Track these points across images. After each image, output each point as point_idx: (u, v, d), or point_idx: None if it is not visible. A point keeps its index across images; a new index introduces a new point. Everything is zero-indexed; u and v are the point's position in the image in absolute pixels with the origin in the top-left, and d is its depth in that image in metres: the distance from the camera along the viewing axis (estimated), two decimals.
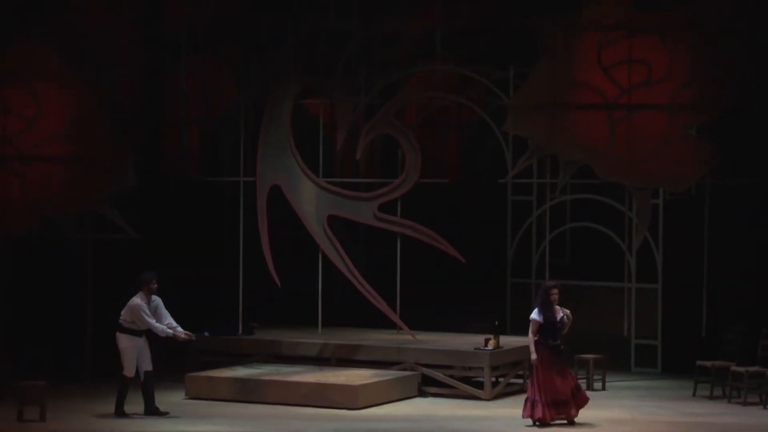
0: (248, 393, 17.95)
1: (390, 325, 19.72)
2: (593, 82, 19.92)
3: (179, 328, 16.98)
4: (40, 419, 16.56)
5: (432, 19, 21.62)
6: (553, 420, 16.49)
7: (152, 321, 16.83)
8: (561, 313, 16.64)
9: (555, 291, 16.67)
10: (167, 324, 16.94)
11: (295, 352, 19.22)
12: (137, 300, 16.84)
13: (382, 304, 19.52)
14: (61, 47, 18.59)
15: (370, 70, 21.80)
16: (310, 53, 21.89)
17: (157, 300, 16.95)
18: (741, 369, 18.02)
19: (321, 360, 19.03)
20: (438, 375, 18.58)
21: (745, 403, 17.91)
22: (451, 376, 18.52)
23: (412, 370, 18.66)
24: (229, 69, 21.53)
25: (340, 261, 19.59)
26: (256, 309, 20.20)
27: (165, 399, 17.49)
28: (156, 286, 16.91)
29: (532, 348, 16.49)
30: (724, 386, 18.36)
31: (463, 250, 19.45)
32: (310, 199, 19.56)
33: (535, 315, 16.59)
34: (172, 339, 17.07)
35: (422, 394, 18.52)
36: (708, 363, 18.58)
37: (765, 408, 17.69)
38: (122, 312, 16.86)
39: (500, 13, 22.36)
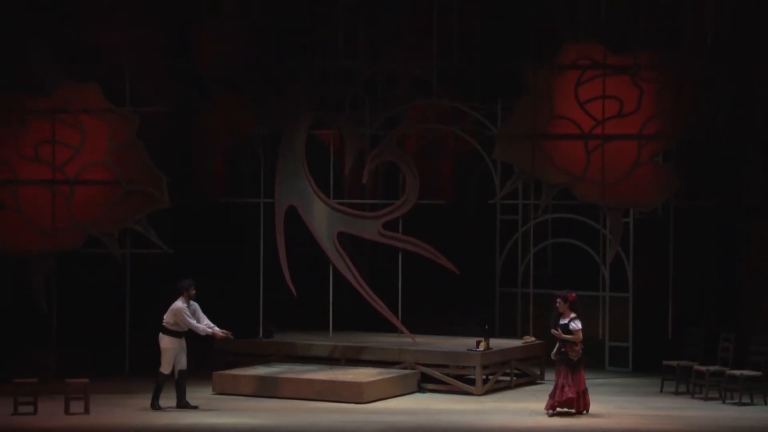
0: (267, 389, 17.97)
1: (392, 329, 19.72)
2: (571, 115, 20.02)
3: (216, 328, 17.01)
4: (84, 412, 16.57)
5: (428, 59, 21.63)
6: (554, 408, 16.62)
7: (193, 322, 16.85)
8: (565, 320, 16.61)
9: (557, 300, 16.69)
10: (206, 324, 17.00)
11: (308, 353, 19.22)
12: (179, 304, 16.85)
13: (385, 310, 19.53)
14: (103, 86, 18.62)
15: (374, 104, 21.87)
16: (321, 89, 21.96)
17: (194, 304, 16.97)
18: (702, 368, 18.01)
19: (331, 360, 19.02)
20: (435, 373, 18.57)
21: (706, 398, 17.90)
22: (447, 374, 18.52)
23: (412, 368, 18.65)
24: (250, 103, 21.54)
25: (349, 272, 19.61)
26: (274, 315, 20.21)
27: (195, 394, 17.48)
28: (194, 292, 16.93)
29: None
30: (688, 383, 18.33)
31: (457, 262, 19.49)
32: (322, 218, 19.57)
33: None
34: (211, 337, 17.10)
35: (421, 390, 18.51)
36: (673, 363, 18.54)
37: (723, 402, 17.66)
38: (165, 315, 16.85)
39: (489, 54, 22.40)
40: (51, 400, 17.07)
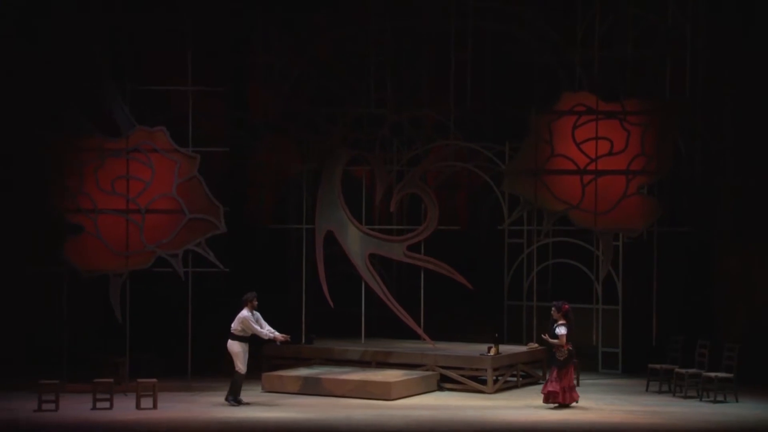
0: (309, 388, 17.92)
1: (415, 337, 19.66)
2: (569, 154, 19.95)
3: (277, 333, 17.04)
4: (153, 407, 16.57)
5: (446, 107, 21.61)
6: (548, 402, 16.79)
7: (257, 327, 16.89)
8: (554, 327, 16.79)
9: (552, 309, 16.90)
10: (267, 330, 16.99)
11: (343, 357, 19.14)
12: (245, 313, 16.87)
13: (409, 320, 19.46)
14: (169, 130, 18.66)
15: (400, 145, 21.85)
16: (355, 132, 21.97)
17: (257, 314, 17.02)
18: (683, 370, 17.93)
19: (363, 363, 18.95)
20: (452, 374, 18.49)
21: (685, 397, 17.79)
22: (462, 375, 18.43)
23: (433, 370, 18.58)
24: (295, 145, 21.57)
25: (378, 288, 19.55)
26: (315, 324, 20.16)
27: (247, 392, 17.42)
28: (256, 303, 16.98)
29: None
30: (670, 384, 18.20)
31: (471, 279, 19.42)
32: (355, 242, 19.53)
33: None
34: (273, 341, 17.12)
35: (440, 388, 18.43)
36: (657, 366, 18.44)
37: (701, 400, 17.54)
38: (233, 324, 16.88)
39: (498, 102, 22.41)
40: (124, 397, 17.12)
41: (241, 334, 16.88)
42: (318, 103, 22.24)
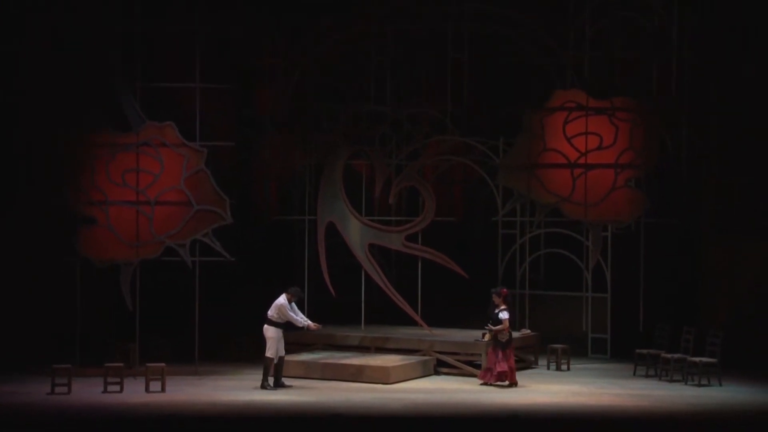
0: (311, 372, 17.83)
1: (413, 323, 19.52)
2: (560, 148, 19.83)
3: (310, 322, 17.11)
4: (161, 391, 16.48)
5: (444, 104, 21.50)
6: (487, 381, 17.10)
7: (292, 314, 16.94)
8: (497, 311, 17.06)
9: (493, 295, 17.20)
10: (301, 317, 17.04)
11: (344, 342, 19.06)
12: (282, 300, 16.92)
13: (407, 308, 19.34)
14: (178, 125, 18.51)
15: (399, 140, 21.72)
16: (356, 128, 21.85)
17: (293, 304, 17.05)
18: (668, 356, 17.85)
19: (363, 348, 18.85)
20: (448, 359, 18.36)
21: (671, 381, 17.70)
22: (458, 360, 18.31)
23: (429, 355, 18.45)
24: (298, 140, 21.44)
25: (378, 277, 19.43)
26: (317, 311, 20.01)
27: (252, 376, 17.34)
28: (296, 299, 17.02)
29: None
30: (656, 368, 18.11)
31: (466, 268, 19.28)
32: (356, 232, 19.41)
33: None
34: (306, 329, 17.17)
35: (437, 373, 18.32)
36: (644, 351, 18.36)
37: (686, 384, 17.46)
38: (269, 310, 16.91)
39: (493, 99, 22.33)
40: (134, 380, 17.02)
41: (276, 320, 16.91)
42: (320, 100, 22.12)
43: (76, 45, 18.75)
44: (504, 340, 17.01)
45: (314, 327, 17.13)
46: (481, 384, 17.12)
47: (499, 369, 16.95)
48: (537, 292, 20.73)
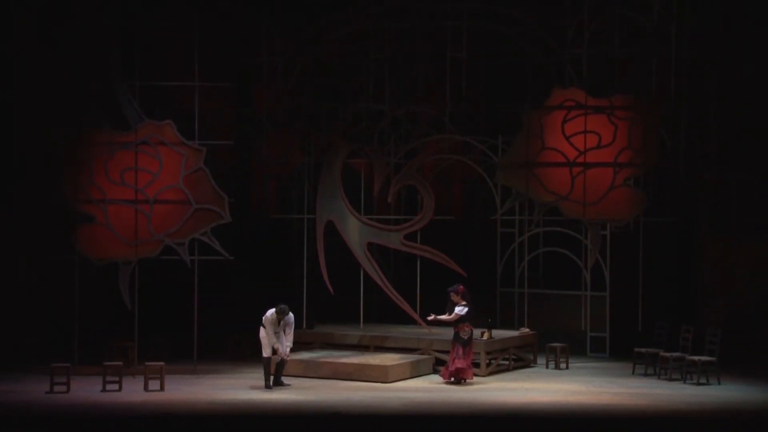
0: (310, 370, 17.78)
1: (411, 322, 19.46)
2: (558, 147, 19.77)
3: (281, 351, 16.77)
4: (160, 389, 16.44)
5: (442, 102, 21.45)
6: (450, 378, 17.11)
7: (272, 335, 16.73)
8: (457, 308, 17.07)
9: (450, 294, 17.19)
10: (280, 341, 16.84)
11: (343, 341, 19.03)
12: (269, 316, 16.76)
13: (405, 306, 19.29)
14: (177, 124, 18.46)
15: (398, 139, 21.66)
16: (354, 127, 21.78)
17: (290, 319, 16.95)
18: (667, 354, 17.82)
19: (361, 347, 18.82)
20: (447, 358, 18.26)
21: (670, 379, 17.67)
22: None
23: (428, 354, 18.40)
24: (297, 138, 21.39)
25: (376, 275, 19.39)
26: (316, 310, 19.99)
27: (252, 375, 17.28)
28: (280, 317, 16.75)
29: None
30: (655, 367, 18.08)
31: (465, 267, 19.21)
32: (355, 231, 19.37)
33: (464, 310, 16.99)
34: (275, 351, 16.90)
35: (435, 372, 18.24)
36: (643, 350, 18.34)
37: (684, 383, 17.43)
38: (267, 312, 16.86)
39: (492, 98, 22.30)
40: (133, 379, 16.97)
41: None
42: (319, 99, 22.08)
43: (75, 43, 18.71)
44: (465, 337, 17.02)
45: (280, 354, 16.73)
46: (444, 383, 17.02)
47: (457, 365, 16.93)
48: (536, 291, 20.71)
